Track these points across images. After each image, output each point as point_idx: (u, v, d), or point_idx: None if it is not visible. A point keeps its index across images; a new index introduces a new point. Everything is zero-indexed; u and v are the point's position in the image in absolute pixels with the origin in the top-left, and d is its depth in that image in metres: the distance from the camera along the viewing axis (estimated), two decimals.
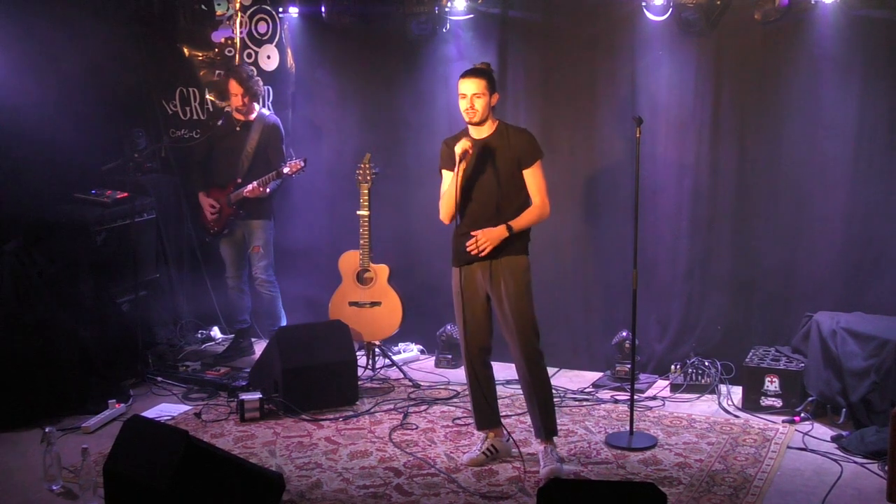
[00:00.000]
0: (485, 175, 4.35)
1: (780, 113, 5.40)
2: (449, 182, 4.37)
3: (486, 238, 4.27)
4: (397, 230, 6.32)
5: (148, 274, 6.44)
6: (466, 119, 4.35)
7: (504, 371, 5.87)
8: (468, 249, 4.30)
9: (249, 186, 5.90)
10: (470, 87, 4.29)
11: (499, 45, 5.97)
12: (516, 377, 5.72)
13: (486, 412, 4.56)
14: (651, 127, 5.42)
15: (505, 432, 4.63)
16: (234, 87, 5.96)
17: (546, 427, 4.40)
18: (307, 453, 4.65)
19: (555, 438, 4.49)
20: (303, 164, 5.81)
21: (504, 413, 5.14)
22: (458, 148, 4.25)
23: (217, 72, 6.63)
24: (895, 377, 4.64)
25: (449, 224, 4.46)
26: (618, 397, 5.40)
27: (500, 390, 5.52)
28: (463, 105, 4.32)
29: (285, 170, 5.82)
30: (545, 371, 4.42)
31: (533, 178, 4.35)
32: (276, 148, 6.05)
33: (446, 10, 5.87)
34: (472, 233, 4.30)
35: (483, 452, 4.52)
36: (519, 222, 4.32)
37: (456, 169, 4.28)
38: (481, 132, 4.39)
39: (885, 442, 4.14)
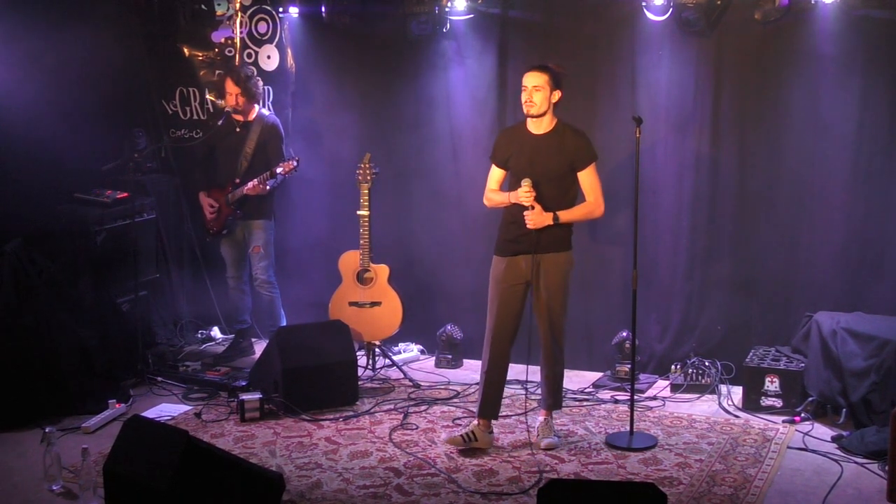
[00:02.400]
0: (537, 170, 4.49)
1: (780, 113, 5.40)
2: (498, 189, 4.65)
3: (533, 220, 4.45)
4: (397, 230, 6.32)
5: (148, 274, 6.43)
6: (525, 111, 4.52)
7: None
8: (526, 218, 4.46)
9: (250, 184, 5.89)
10: (530, 80, 4.48)
11: (499, 45, 5.97)
12: (516, 378, 5.77)
13: (491, 402, 4.66)
14: (651, 127, 5.42)
15: (490, 425, 4.71)
16: (230, 86, 5.96)
17: (555, 401, 4.80)
18: (307, 453, 4.65)
19: (555, 432, 4.75)
20: (296, 163, 5.80)
21: (504, 413, 5.14)
22: (524, 200, 4.45)
23: (217, 72, 6.63)
24: (895, 377, 4.63)
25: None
26: (618, 397, 5.40)
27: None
28: (523, 97, 4.50)
29: (278, 170, 5.81)
30: (564, 353, 4.76)
31: (587, 179, 4.57)
32: (275, 148, 6.04)
33: (446, 10, 5.86)
34: (527, 214, 4.46)
35: (462, 436, 4.59)
36: (566, 215, 4.52)
37: (508, 198, 4.55)
38: (539, 127, 4.55)
39: (886, 442, 4.14)
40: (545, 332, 4.65)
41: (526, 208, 4.47)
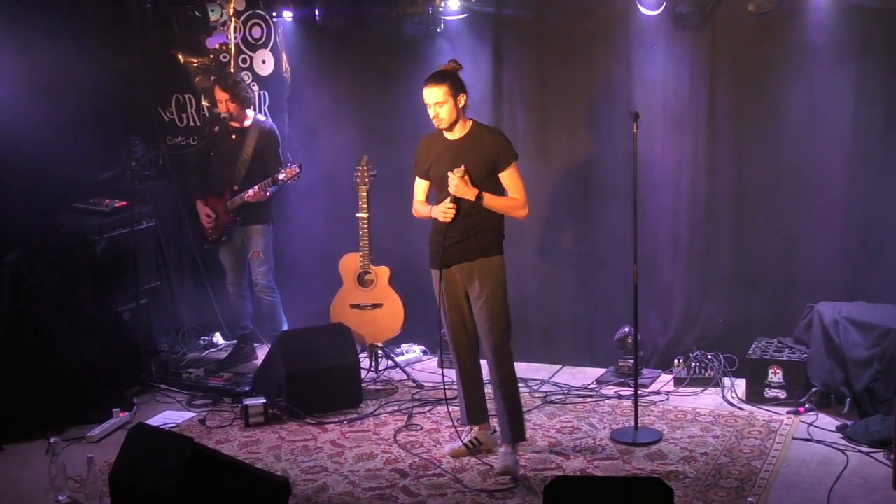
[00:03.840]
0: None
1: (777, 104, 5.40)
2: (425, 200, 4.47)
3: (457, 187, 4.23)
4: (397, 231, 6.31)
5: (148, 282, 6.43)
6: (435, 126, 4.35)
7: None
8: (449, 180, 4.26)
9: (251, 191, 5.89)
10: (431, 96, 4.26)
11: (493, 44, 5.97)
12: (519, 376, 5.73)
13: (474, 408, 4.60)
14: (648, 122, 5.42)
15: (491, 425, 4.64)
16: (219, 93, 5.96)
17: (512, 430, 4.36)
18: (312, 457, 4.65)
19: (513, 465, 4.32)
20: (298, 169, 5.80)
21: None
22: (440, 215, 4.31)
23: (212, 78, 6.63)
24: None
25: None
26: (622, 393, 5.39)
27: None
28: (430, 114, 4.30)
29: (281, 175, 5.81)
30: (513, 373, 4.41)
31: (510, 180, 4.33)
32: (272, 153, 6.04)
33: (440, 10, 5.87)
34: (451, 175, 4.24)
35: (466, 444, 4.55)
36: (493, 201, 4.28)
37: (430, 212, 4.39)
38: (454, 134, 4.38)
39: (890, 430, 4.15)
40: (488, 348, 4.38)
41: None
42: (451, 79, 4.28)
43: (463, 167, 4.25)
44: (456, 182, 4.24)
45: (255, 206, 6.00)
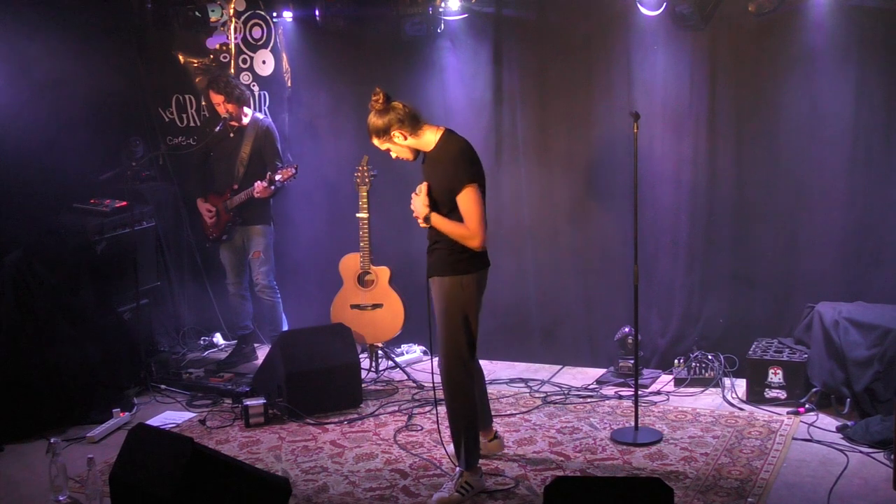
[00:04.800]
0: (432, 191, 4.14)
1: (777, 104, 5.40)
2: None
3: (413, 204, 4.08)
4: (397, 232, 6.31)
5: (149, 282, 6.43)
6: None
7: (507, 370, 5.90)
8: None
9: (258, 186, 5.87)
10: (377, 145, 4.14)
11: (493, 44, 5.97)
12: (519, 376, 5.78)
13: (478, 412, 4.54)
14: (648, 122, 5.42)
15: (496, 428, 4.60)
16: (214, 97, 5.96)
17: (457, 453, 4.15)
18: (313, 457, 4.65)
19: (462, 489, 4.09)
20: (294, 171, 5.80)
21: (509, 412, 5.15)
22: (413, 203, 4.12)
23: (205, 83, 6.62)
24: None
25: None
26: (622, 393, 5.39)
27: (504, 389, 5.55)
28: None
29: (277, 177, 5.81)
30: (455, 393, 4.09)
31: (462, 205, 3.95)
32: (271, 151, 6.04)
33: (440, 10, 5.86)
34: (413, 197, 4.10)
35: None
36: (441, 224, 4.00)
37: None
38: (426, 147, 4.11)
39: (891, 431, 4.14)
40: (440, 370, 4.14)
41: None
42: (377, 124, 4.05)
43: (425, 185, 4.04)
44: (415, 200, 4.06)
45: (255, 206, 6.00)
